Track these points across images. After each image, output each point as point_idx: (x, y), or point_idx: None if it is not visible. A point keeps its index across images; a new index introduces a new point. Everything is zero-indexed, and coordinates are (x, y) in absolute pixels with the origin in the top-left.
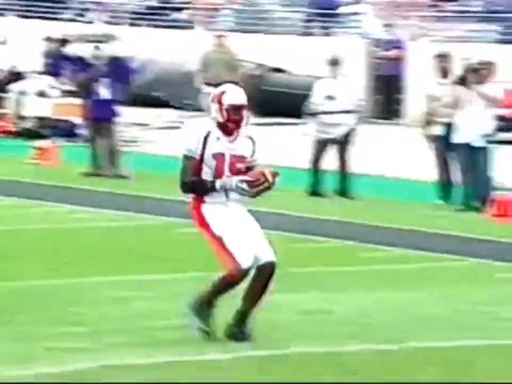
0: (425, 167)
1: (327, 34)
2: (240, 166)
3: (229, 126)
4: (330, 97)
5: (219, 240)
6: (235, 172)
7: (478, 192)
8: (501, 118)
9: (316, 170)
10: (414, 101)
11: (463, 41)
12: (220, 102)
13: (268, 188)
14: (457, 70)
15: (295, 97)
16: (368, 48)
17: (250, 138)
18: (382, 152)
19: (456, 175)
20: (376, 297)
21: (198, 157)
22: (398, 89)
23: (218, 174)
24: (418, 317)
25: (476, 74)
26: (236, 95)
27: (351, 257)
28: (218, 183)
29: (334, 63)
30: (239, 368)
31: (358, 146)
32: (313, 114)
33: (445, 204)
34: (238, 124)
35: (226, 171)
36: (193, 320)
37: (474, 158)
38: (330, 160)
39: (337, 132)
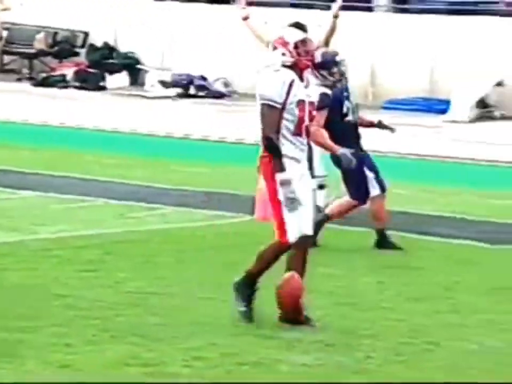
0: None
1: None
2: (314, 113)
3: (301, 65)
4: None
5: (278, 204)
6: (311, 120)
7: None
8: None
9: None
10: None
11: None
12: (285, 44)
13: None
14: None
15: None
16: None
17: (315, 84)
18: None
19: None
20: None
21: (279, 106)
22: None
23: (299, 123)
24: None
25: None
26: (297, 30)
27: None
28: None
29: None
30: None
31: None
32: None
33: None
34: (309, 59)
35: (306, 120)
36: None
37: None
38: None
39: None
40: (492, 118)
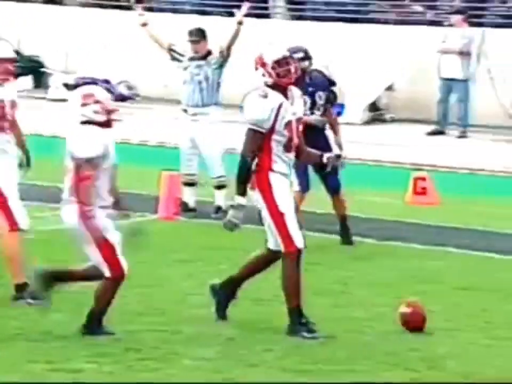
0: None
1: None
2: (301, 128)
3: (282, 84)
4: None
5: (280, 217)
6: (298, 136)
7: None
8: None
9: None
10: None
11: None
12: (263, 64)
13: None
14: None
15: None
16: None
17: (300, 95)
18: None
19: None
20: None
21: (265, 130)
22: None
23: (288, 143)
24: None
25: None
26: (273, 48)
27: None
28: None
29: None
30: None
31: None
32: None
33: None
34: (291, 78)
35: (295, 137)
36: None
37: None
38: None
39: None
40: (383, 121)
